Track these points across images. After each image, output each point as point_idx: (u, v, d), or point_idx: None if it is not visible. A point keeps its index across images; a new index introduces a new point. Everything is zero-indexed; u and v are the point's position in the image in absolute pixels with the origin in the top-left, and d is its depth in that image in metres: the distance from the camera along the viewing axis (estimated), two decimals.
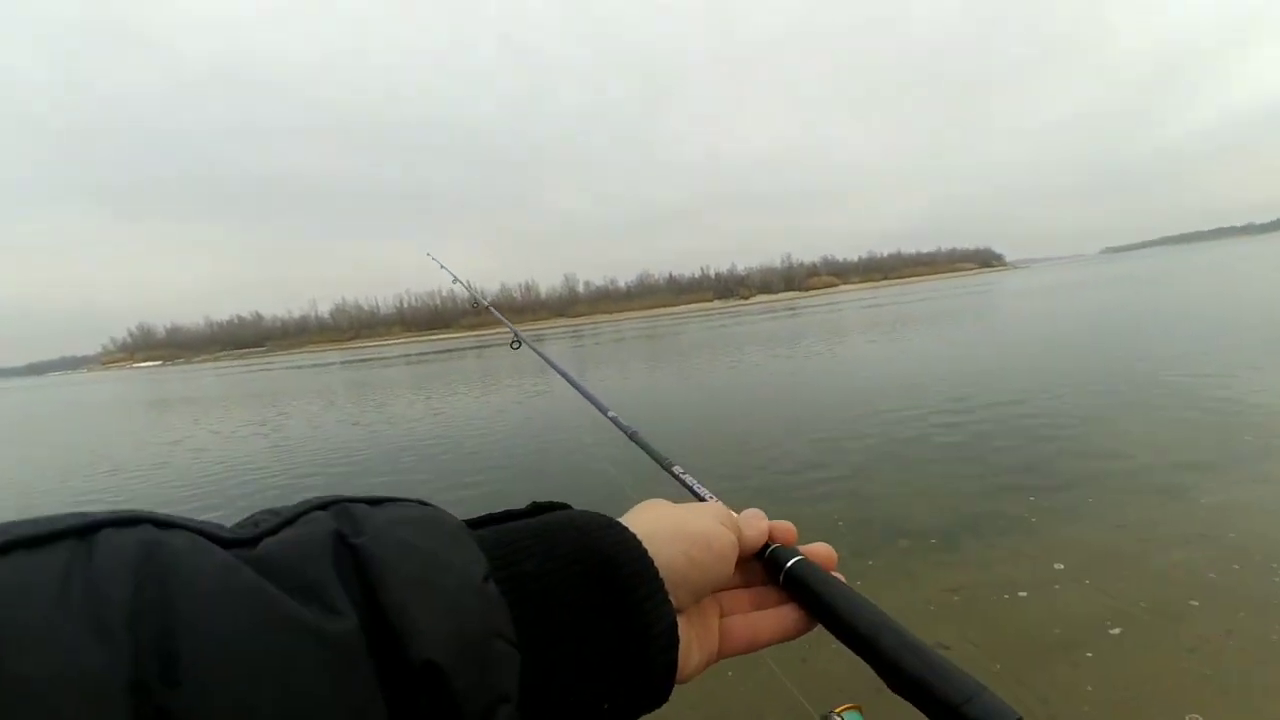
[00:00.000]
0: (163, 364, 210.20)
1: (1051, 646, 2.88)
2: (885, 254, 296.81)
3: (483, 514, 0.37)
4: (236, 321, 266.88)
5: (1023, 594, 3.33)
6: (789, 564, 0.45)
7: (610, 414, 0.96)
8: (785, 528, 0.48)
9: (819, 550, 0.48)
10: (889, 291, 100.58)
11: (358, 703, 0.24)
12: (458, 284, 1.87)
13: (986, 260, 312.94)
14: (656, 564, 0.37)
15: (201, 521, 0.26)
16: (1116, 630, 2.93)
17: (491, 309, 1.71)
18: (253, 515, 0.29)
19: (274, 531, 0.27)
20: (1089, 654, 2.79)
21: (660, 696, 0.37)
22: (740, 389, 12.30)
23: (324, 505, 0.30)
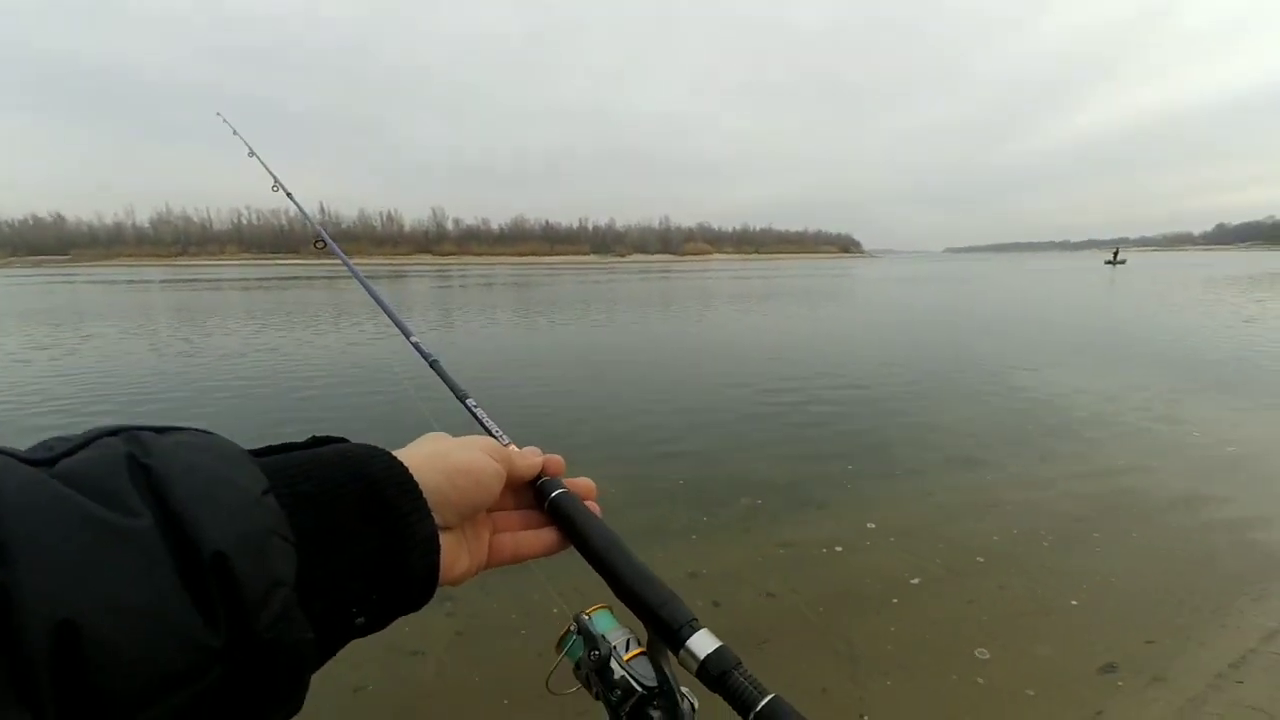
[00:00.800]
0: None
1: (863, 596, 3.26)
2: (758, 228, 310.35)
3: (263, 446, 0.40)
4: (32, 222, 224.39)
5: (839, 549, 3.72)
6: (552, 494, 0.55)
7: (413, 339, 0.97)
8: (556, 462, 0.57)
9: (580, 483, 0.57)
10: (759, 265, 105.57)
11: (164, 586, 0.28)
12: (278, 190, 1.59)
13: (847, 246, 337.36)
14: (422, 487, 0.43)
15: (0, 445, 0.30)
16: (916, 580, 3.36)
17: (290, 194, 1.50)
18: (44, 441, 0.32)
19: (70, 454, 0.30)
20: (894, 600, 3.19)
21: (426, 592, 0.43)
22: (604, 349, 12.40)
23: (114, 432, 0.33)
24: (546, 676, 0.57)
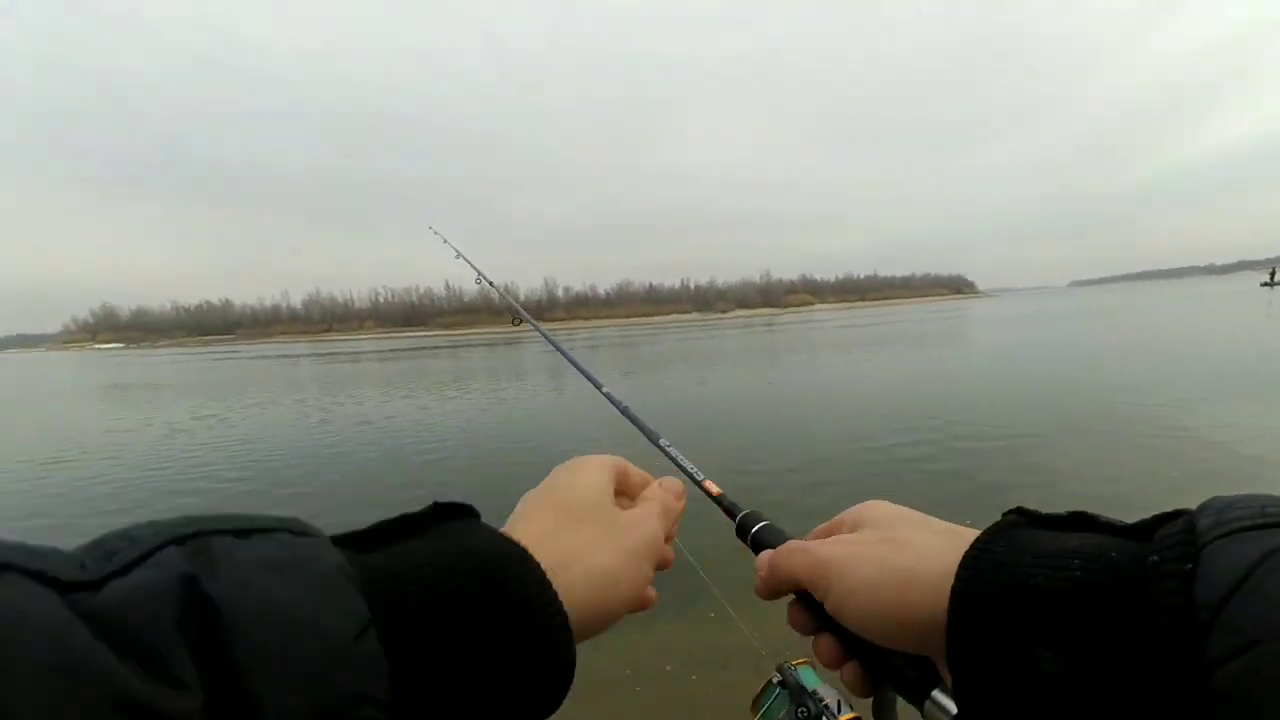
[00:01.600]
0: (125, 347, 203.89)
1: None
2: (862, 275, 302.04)
3: (376, 522, 0.35)
4: (205, 307, 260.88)
5: None
6: (753, 530, 0.54)
7: (604, 389, 0.99)
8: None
9: None
10: (865, 312, 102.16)
11: None
12: (460, 259, 1.87)
13: (959, 287, 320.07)
14: (564, 602, 0.36)
15: (46, 552, 0.24)
16: None
17: (499, 290, 1.70)
18: (108, 537, 0.26)
19: (123, 571, 0.24)
20: None
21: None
22: (708, 401, 12.40)
23: (181, 539, 0.26)
24: None
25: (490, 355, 35.96)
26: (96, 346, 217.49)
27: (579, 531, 0.43)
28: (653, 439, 0.76)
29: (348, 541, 0.33)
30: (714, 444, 7.98)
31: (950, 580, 0.35)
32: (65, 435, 11.88)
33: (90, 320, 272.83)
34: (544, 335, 1.33)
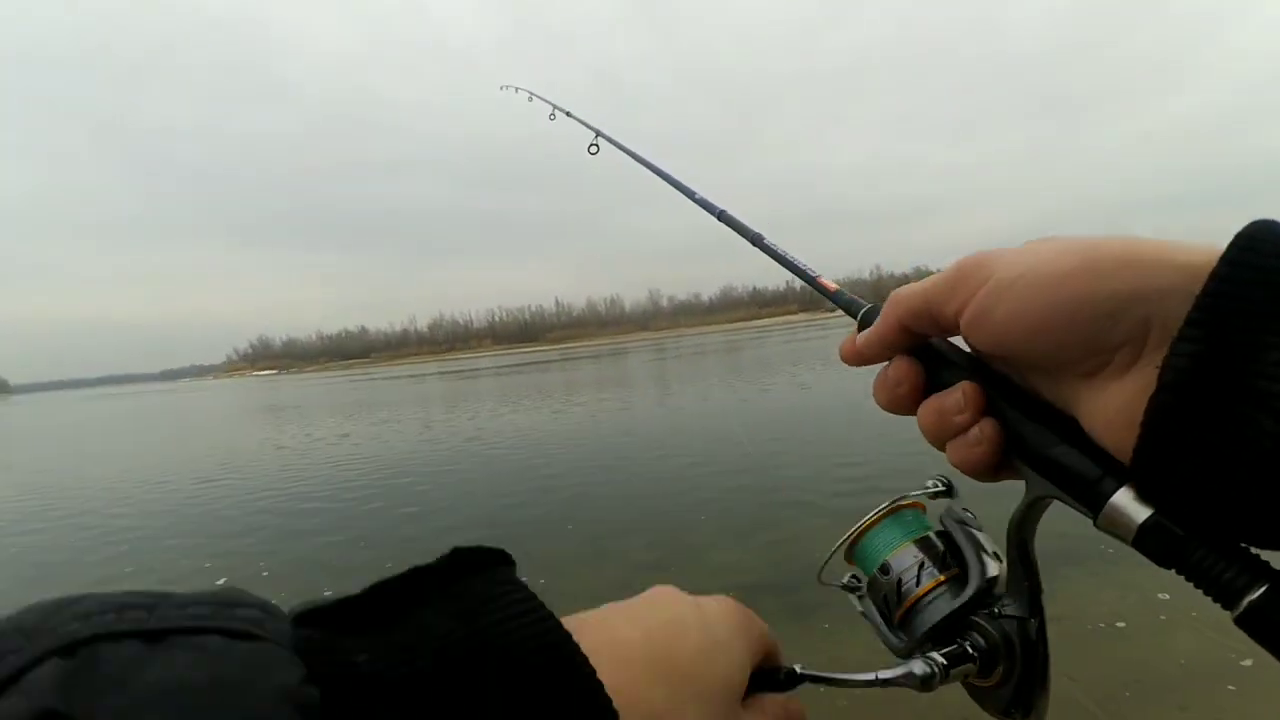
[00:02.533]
0: (278, 373, 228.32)
1: (1165, 683, 2.68)
2: None
3: (374, 583, 0.26)
4: (344, 334, 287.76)
5: (1120, 624, 3.15)
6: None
7: (698, 195, 0.93)
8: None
9: None
10: None
11: None
12: (534, 99, 1.96)
13: None
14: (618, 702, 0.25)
15: None
16: (1249, 662, 2.67)
17: (569, 114, 1.73)
18: (6, 629, 0.19)
19: None
20: (1230, 687, 2.57)
21: None
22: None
23: (71, 646, 0.19)
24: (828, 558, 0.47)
25: (597, 365, 36.85)
26: (255, 374, 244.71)
27: (678, 715, 0.29)
28: (753, 239, 0.72)
29: (325, 616, 0.24)
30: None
31: (1184, 259, 0.28)
32: (244, 446, 13.45)
33: (249, 350, 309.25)
34: (622, 149, 1.30)
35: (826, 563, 0.48)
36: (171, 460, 13.28)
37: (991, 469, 0.36)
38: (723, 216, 0.82)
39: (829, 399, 11.97)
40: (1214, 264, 0.27)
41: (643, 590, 0.35)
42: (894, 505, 0.46)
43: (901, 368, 0.38)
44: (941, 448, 0.38)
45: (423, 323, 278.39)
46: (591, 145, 1.48)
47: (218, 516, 7.61)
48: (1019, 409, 0.35)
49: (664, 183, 1.04)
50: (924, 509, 0.47)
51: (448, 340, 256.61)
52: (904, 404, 0.39)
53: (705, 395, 15.61)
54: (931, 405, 0.37)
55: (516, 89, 2.16)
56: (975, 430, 0.35)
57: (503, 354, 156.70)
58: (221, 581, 5.18)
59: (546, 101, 1.86)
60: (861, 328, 0.43)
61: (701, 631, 0.32)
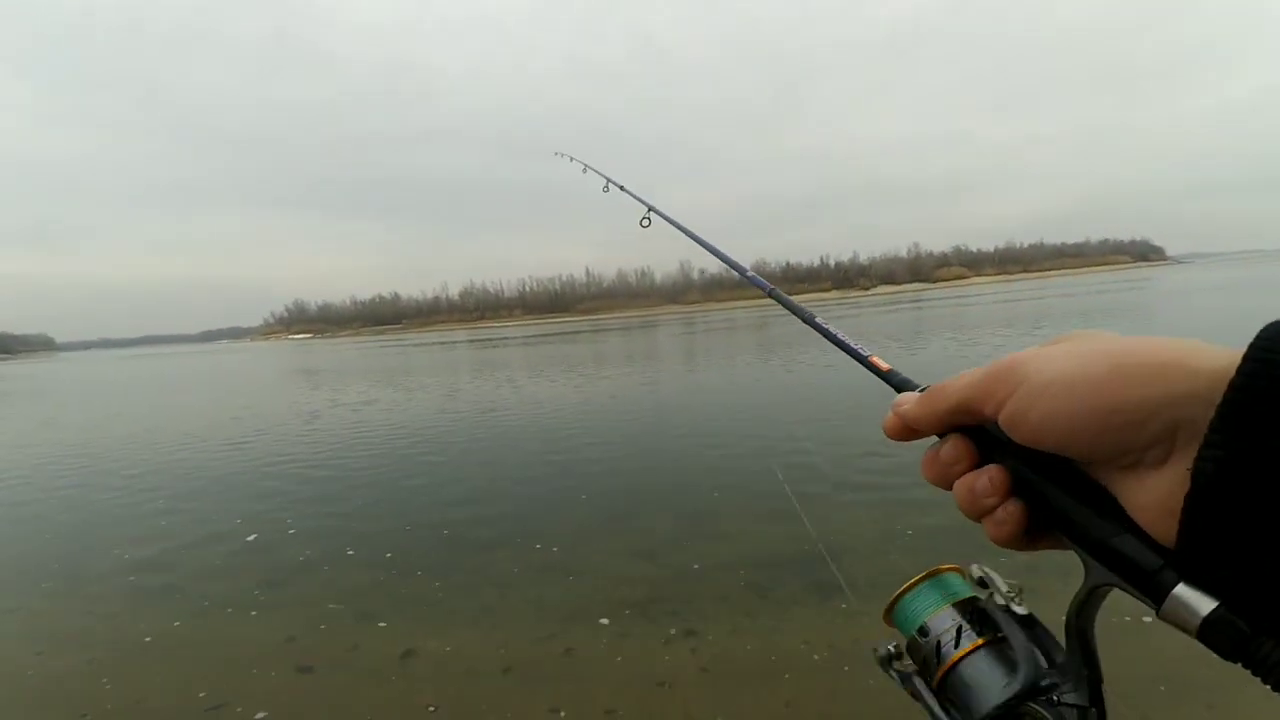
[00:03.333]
0: (312, 337, 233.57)
1: (1194, 681, 2.59)
2: (1025, 244, 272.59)
3: None
4: (377, 300, 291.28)
5: (1147, 619, 3.00)
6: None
7: (749, 273, 0.98)
8: None
9: None
10: (1027, 284, 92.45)
11: None
12: (588, 171, 2.03)
13: (1144, 253, 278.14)
14: None
15: None
16: None
17: (623, 188, 1.79)
18: None
19: None
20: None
21: None
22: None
23: None
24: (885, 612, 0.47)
25: (626, 337, 36.82)
26: (290, 337, 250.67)
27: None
28: (804, 317, 0.73)
29: None
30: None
31: (1207, 366, 0.30)
32: (274, 409, 13.82)
33: (285, 314, 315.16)
34: (674, 224, 1.34)
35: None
36: (205, 422, 13.72)
37: (1021, 545, 0.39)
38: (773, 294, 0.86)
39: (857, 379, 11.75)
40: (1233, 371, 0.29)
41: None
42: (933, 570, 0.47)
43: (959, 448, 0.40)
44: (973, 520, 0.40)
45: (454, 290, 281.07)
46: (644, 219, 1.52)
47: (250, 476, 7.86)
48: (1073, 494, 0.36)
49: (698, 244, 1.13)
50: (964, 573, 0.47)
51: (478, 308, 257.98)
52: (950, 482, 0.41)
53: (730, 375, 15.50)
54: (965, 483, 0.39)
55: (571, 158, 2.16)
56: (1001, 511, 0.38)
57: (531, 324, 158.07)
58: (251, 538, 5.43)
59: (600, 174, 1.89)
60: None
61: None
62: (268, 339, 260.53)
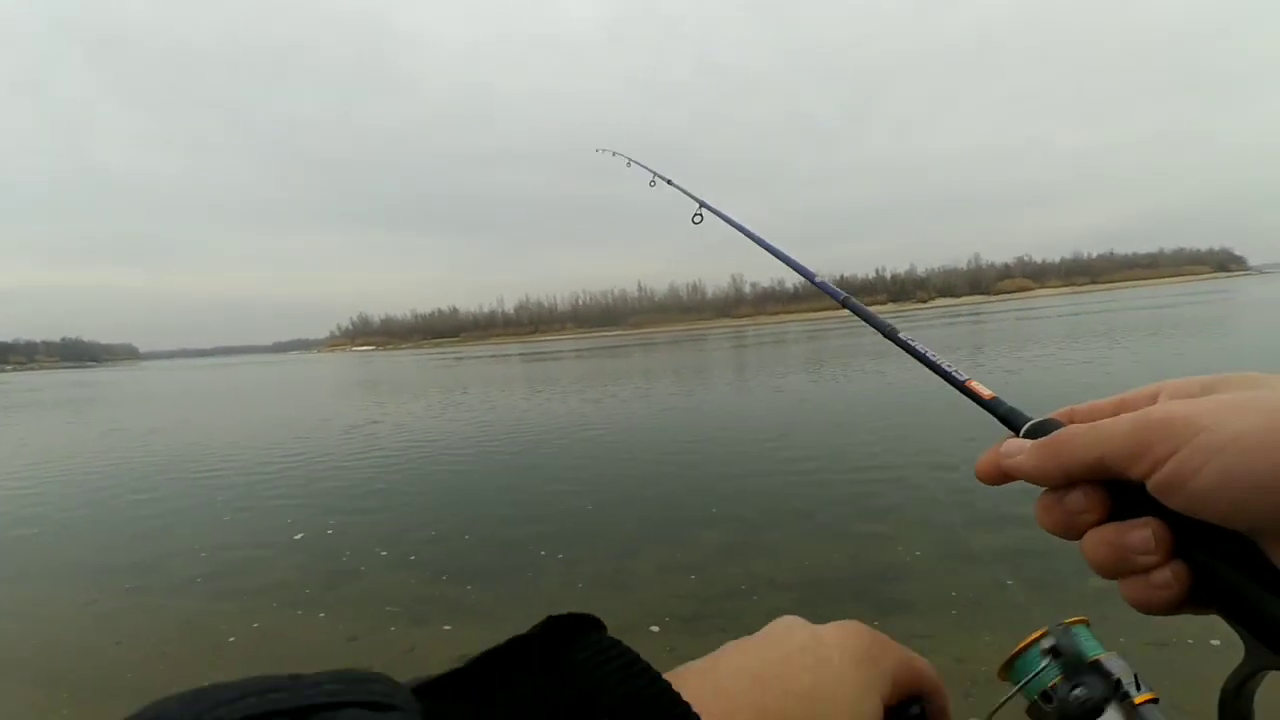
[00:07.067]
0: (374, 349, 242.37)
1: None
2: (1094, 255, 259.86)
3: (483, 652, 0.27)
4: (436, 314, 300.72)
5: (1215, 642, 3.01)
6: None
7: (818, 279, 0.89)
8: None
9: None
10: (1096, 297, 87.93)
11: None
12: (632, 165, 1.91)
13: (1223, 263, 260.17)
14: None
15: None
16: None
17: (670, 181, 1.66)
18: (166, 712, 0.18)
19: None
20: None
21: None
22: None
23: None
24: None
25: (676, 351, 36.99)
26: (354, 349, 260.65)
27: (782, 653, 0.31)
28: (885, 331, 0.64)
29: (439, 687, 0.25)
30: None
31: None
32: (329, 421, 14.62)
33: (350, 327, 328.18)
34: (737, 225, 1.17)
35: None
36: (270, 431, 14.62)
37: (1173, 610, 0.34)
38: (847, 303, 0.76)
39: (923, 393, 11.63)
40: None
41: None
42: (1065, 624, 0.40)
43: (1092, 497, 0.35)
44: (1109, 577, 0.35)
45: (510, 304, 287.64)
46: (695, 215, 1.41)
47: (301, 481, 8.41)
48: (1240, 569, 0.31)
49: (763, 248, 1.03)
50: (1089, 623, 0.39)
51: (532, 322, 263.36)
52: (1078, 531, 0.36)
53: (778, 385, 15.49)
54: (1106, 537, 0.34)
55: (614, 153, 2.07)
56: (1165, 573, 0.32)
57: (582, 337, 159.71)
58: (299, 537, 5.78)
59: (646, 168, 1.75)
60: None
61: (813, 669, 0.30)
62: (333, 350, 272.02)
